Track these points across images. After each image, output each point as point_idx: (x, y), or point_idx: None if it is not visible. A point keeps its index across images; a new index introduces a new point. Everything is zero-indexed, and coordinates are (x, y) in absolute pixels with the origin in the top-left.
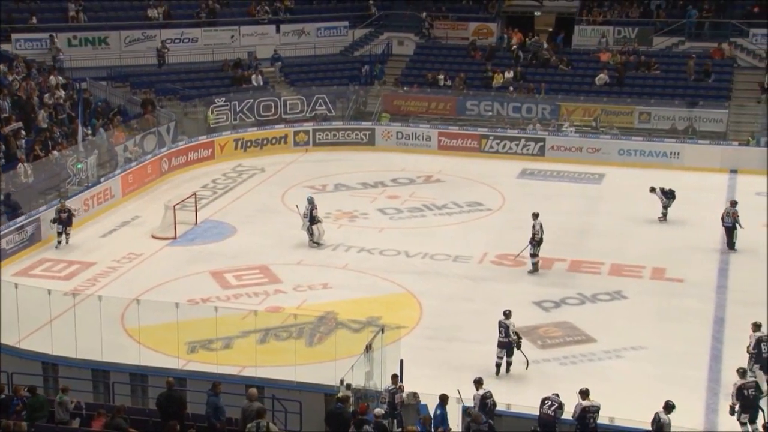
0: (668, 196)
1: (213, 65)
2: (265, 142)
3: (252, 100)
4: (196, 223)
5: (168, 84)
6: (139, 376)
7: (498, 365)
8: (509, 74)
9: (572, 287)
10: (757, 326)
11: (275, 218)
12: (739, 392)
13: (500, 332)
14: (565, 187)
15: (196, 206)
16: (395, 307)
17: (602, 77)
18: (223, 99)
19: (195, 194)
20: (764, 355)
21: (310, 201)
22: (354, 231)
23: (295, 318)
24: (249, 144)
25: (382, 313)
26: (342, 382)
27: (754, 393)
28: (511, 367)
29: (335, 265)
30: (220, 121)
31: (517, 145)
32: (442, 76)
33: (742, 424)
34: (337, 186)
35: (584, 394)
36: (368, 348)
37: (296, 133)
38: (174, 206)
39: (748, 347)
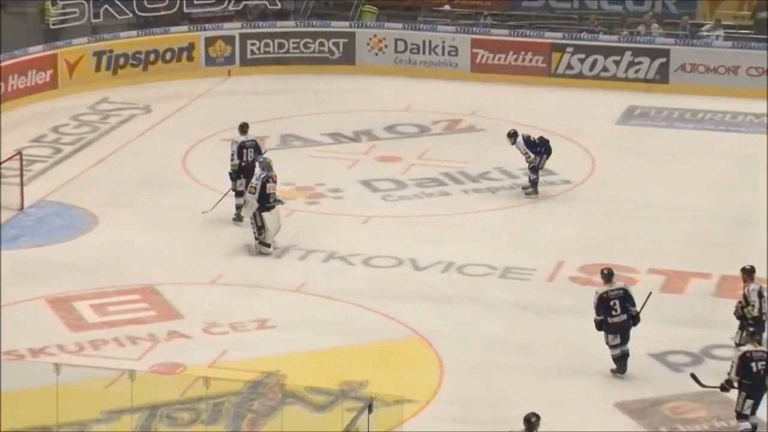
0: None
1: None
2: (151, 57)
3: None
4: (21, 207)
5: None
6: None
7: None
8: None
9: (720, 325)
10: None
11: (169, 197)
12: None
13: (613, 308)
14: (705, 138)
15: (21, 176)
16: (394, 365)
17: None
18: None
19: (20, 153)
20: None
21: (264, 166)
22: (318, 221)
23: (206, 385)
24: (122, 60)
25: (370, 376)
26: None
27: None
28: None
29: (282, 285)
30: (68, 17)
31: (616, 63)
32: None
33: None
34: (284, 139)
35: None
36: None
37: (209, 41)
38: None
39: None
